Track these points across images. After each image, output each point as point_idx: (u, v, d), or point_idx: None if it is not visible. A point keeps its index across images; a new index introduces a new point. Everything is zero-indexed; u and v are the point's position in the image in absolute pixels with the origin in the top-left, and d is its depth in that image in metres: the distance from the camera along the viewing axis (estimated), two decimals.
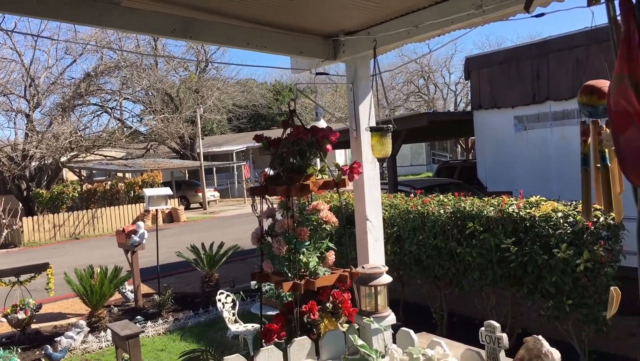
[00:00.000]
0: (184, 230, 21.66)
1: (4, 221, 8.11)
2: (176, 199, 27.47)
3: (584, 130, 2.17)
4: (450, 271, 6.56)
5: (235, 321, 7.39)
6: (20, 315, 8.32)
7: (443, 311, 7.15)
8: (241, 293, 8.40)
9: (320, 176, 3.09)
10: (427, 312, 7.37)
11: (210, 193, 32.97)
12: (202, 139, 33.80)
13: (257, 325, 7.06)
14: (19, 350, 7.27)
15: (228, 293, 7.59)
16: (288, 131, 3.19)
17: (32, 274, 8.89)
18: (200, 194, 32.01)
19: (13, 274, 8.70)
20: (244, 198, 33.46)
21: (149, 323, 8.58)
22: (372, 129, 3.08)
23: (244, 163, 34.97)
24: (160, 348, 7.80)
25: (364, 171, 3.18)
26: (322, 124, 3.41)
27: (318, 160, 3.36)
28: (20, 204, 24.15)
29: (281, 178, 3.15)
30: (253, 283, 8.04)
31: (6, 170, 23.34)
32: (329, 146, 3.18)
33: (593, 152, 2.12)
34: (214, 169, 36.64)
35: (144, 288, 10.48)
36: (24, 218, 21.94)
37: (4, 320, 8.33)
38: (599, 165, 2.10)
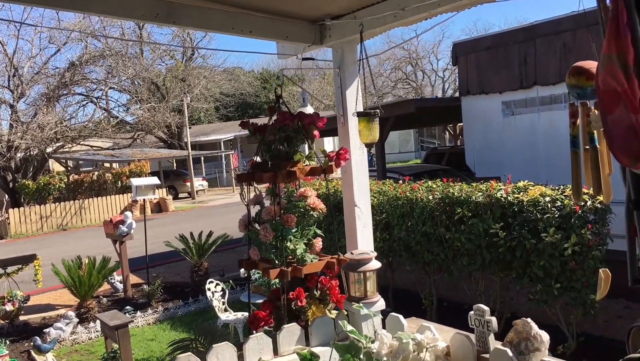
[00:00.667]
0: (173, 220, 21.58)
1: None
2: (164, 189, 27.33)
3: (573, 112, 2.15)
4: (440, 256, 6.58)
5: (225, 310, 7.37)
6: (8, 307, 8.26)
7: (432, 296, 7.18)
8: (231, 281, 8.39)
9: (307, 163, 3.06)
10: (417, 298, 7.40)
11: (199, 183, 32.87)
12: (190, 128, 33.59)
13: (247, 314, 7.05)
14: (7, 342, 7.23)
15: (218, 282, 7.57)
16: (274, 117, 3.16)
17: (20, 266, 8.83)
18: (188, 183, 31.89)
19: (0, 266, 8.63)
20: (233, 187, 33.36)
21: (139, 313, 8.55)
22: (359, 114, 3.05)
23: (232, 152, 34.83)
24: (150, 337, 7.78)
25: (352, 156, 3.16)
26: (309, 110, 3.37)
27: (306, 146, 3.33)
28: (6, 196, 23.91)
29: (268, 165, 3.12)
30: (242, 271, 8.02)
31: None
32: (316, 132, 3.14)
33: (582, 134, 2.10)
34: (202, 158, 36.49)
35: (133, 278, 10.43)
36: (10, 210, 21.75)
37: None
38: (587, 147, 2.09)
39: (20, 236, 21.36)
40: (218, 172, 38.12)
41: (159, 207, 25.58)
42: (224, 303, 7.43)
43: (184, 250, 10.02)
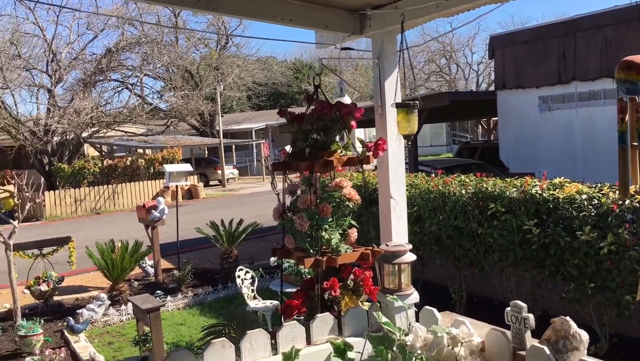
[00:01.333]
0: (203, 207, 21.80)
1: (27, 194, 8.24)
2: (195, 176, 27.60)
3: (622, 107, 2.10)
4: (471, 251, 6.53)
5: (254, 298, 7.43)
6: (43, 287, 8.45)
7: (462, 291, 7.13)
8: (260, 269, 8.43)
9: (344, 153, 3.05)
10: (446, 292, 7.35)
11: (230, 171, 33.11)
12: (222, 116, 33.84)
13: (275, 302, 7.09)
14: (42, 321, 7.39)
15: (247, 269, 7.62)
16: (312, 106, 3.15)
17: (55, 248, 9.02)
18: (219, 171, 32.15)
19: (36, 247, 8.83)
20: (263, 175, 33.54)
21: (169, 298, 8.66)
22: (398, 106, 3.03)
23: (263, 141, 34.98)
24: (180, 322, 7.89)
25: (389, 148, 3.14)
26: (346, 100, 3.35)
27: (338, 137, 3.31)
28: (42, 179, 24.46)
29: (304, 154, 3.11)
30: (272, 259, 8.06)
31: (29, 144, 23.60)
32: (353, 123, 3.13)
33: (630, 130, 2.05)
34: (233, 146, 36.72)
35: (164, 263, 10.57)
36: (46, 192, 22.19)
37: (27, 291, 8.47)
38: (635, 143, 2.03)
39: (55, 218, 21.84)
40: (249, 161, 38.33)
41: (190, 194, 25.86)
42: (253, 291, 7.49)
43: (215, 237, 10.12)
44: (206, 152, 37.77)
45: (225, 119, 37.39)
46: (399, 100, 3.21)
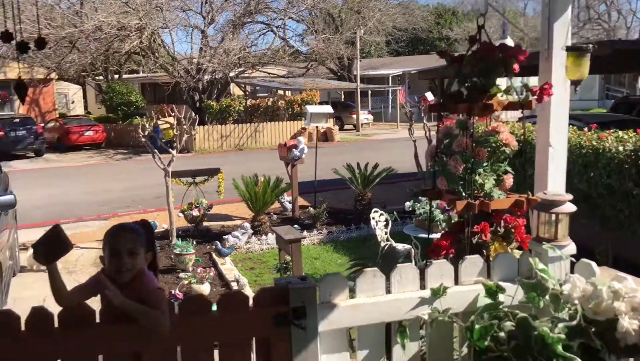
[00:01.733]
0: (337, 150, 22.21)
1: (185, 127, 8.97)
2: (331, 120, 28.10)
3: None
4: (623, 213, 6.13)
5: (387, 240, 7.55)
6: (195, 212, 9.22)
7: (608, 254, 6.73)
8: (395, 213, 8.50)
9: (504, 97, 2.96)
10: (590, 254, 6.97)
11: (364, 116, 33.30)
12: (360, 61, 33.79)
13: (407, 246, 7.16)
14: (194, 243, 8.10)
15: (382, 212, 7.74)
16: (474, 47, 3.07)
17: (206, 177, 9.74)
18: (354, 116, 32.45)
19: (190, 175, 9.60)
20: (397, 122, 33.34)
21: (305, 233, 9.06)
22: (568, 49, 2.87)
23: (400, 88, 34.57)
24: (315, 256, 8.26)
25: (553, 94, 2.99)
26: (509, 42, 3.22)
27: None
28: (194, 114, 26.20)
29: (462, 97, 3.07)
30: (407, 204, 8.09)
31: (183, 82, 25.29)
32: (516, 66, 3.02)
33: None
34: (369, 92, 36.72)
35: (301, 201, 11.00)
36: (197, 127, 23.80)
37: (181, 215, 9.29)
38: None
39: (203, 151, 23.45)
40: (383, 107, 38.20)
41: (325, 136, 26.42)
42: (386, 233, 7.60)
43: (350, 179, 10.37)
44: (342, 96, 38.13)
45: (363, 64, 37.32)
46: (569, 43, 3.03)
